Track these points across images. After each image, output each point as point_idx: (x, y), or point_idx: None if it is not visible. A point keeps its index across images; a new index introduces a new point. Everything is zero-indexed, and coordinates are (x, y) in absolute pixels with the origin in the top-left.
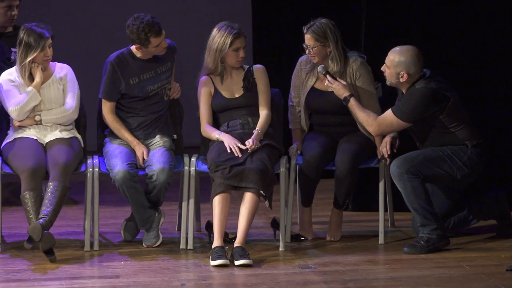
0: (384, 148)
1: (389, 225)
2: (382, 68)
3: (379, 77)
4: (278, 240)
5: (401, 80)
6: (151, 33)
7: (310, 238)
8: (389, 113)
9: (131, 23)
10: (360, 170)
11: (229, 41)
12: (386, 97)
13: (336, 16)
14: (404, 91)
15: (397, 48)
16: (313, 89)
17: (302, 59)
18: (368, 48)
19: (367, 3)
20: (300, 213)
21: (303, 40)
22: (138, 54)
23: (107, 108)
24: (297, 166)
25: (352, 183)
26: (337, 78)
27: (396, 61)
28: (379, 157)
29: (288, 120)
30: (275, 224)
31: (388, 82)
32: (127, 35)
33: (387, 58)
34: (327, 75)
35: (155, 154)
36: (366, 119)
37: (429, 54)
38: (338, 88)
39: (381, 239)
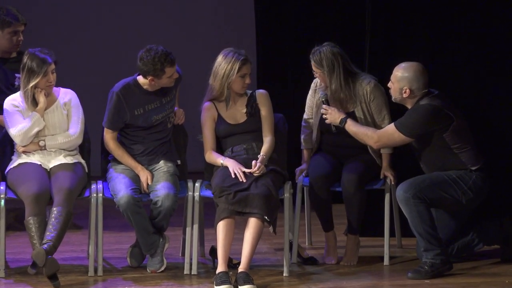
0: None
1: (397, 247)
2: (388, 85)
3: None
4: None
5: (404, 95)
6: (167, 63)
7: (334, 262)
8: (391, 126)
9: (145, 55)
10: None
11: (237, 67)
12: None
13: (340, 39)
14: (409, 108)
15: (402, 64)
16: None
17: (317, 79)
18: (372, 71)
19: (371, 25)
20: (325, 238)
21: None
22: (146, 85)
23: (109, 136)
24: (303, 188)
25: (361, 203)
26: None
27: (400, 76)
28: (381, 177)
29: (300, 140)
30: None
31: (393, 98)
32: (138, 68)
33: (392, 74)
34: (323, 103)
35: (159, 180)
36: (366, 132)
37: (433, 75)
38: (333, 114)
39: (386, 261)
